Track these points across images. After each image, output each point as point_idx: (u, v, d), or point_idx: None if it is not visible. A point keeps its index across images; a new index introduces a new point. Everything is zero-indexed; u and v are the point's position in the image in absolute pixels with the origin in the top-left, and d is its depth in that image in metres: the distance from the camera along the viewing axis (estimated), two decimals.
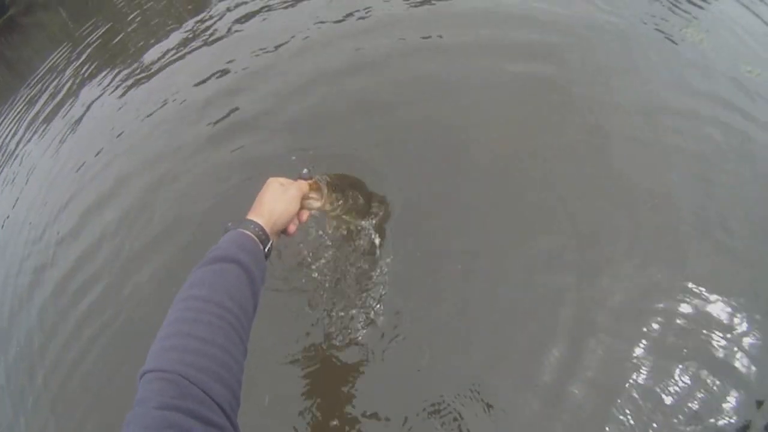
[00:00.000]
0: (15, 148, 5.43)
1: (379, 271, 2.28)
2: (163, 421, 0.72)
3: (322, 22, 4.47)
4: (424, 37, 3.75)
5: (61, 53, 8.02)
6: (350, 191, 1.49)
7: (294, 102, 3.54)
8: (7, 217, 4.18)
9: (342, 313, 2.19)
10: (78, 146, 4.56)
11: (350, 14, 4.41)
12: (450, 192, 2.62)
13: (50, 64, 7.63)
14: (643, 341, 1.95)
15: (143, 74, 5.35)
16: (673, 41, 3.49)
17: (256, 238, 1.12)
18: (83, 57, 7.03)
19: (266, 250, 1.14)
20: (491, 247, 2.35)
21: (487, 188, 2.59)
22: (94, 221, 3.42)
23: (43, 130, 5.34)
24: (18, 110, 6.57)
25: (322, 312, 2.23)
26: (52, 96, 6.24)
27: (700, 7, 3.90)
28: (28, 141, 5.35)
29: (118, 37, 7.08)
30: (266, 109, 3.58)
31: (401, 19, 4.07)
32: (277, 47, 4.29)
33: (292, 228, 1.29)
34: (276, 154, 3.10)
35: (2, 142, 5.87)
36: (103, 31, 7.94)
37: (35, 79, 7.37)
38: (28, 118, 5.99)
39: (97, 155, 4.14)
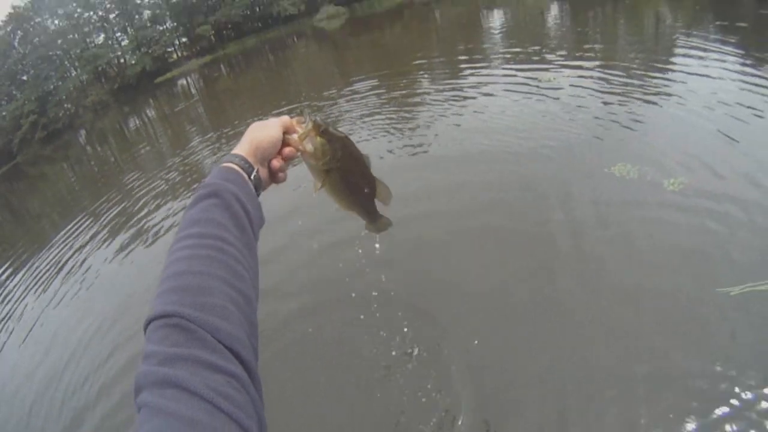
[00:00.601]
0: (36, 310, 6.43)
1: None
2: (165, 380, 0.66)
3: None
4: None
5: (71, 217, 9.51)
6: (346, 151, 1.22)
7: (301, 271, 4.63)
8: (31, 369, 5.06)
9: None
10: (95, 308, 5.59)
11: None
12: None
13: (64, 231, 8.94)
14: None
15: (149, 243, 6.74)
16: (613, 175, 4.59)
17: (238, 168, 1.05)
18: (95, 226, 8.44)
19: (252, 177, 1.07)
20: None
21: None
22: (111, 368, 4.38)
23: (62, 295, 6.41)
24: (32, 275, 7.64)
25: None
26: (64, 261, 7.45)
27: (634, 128, 5.33)
28: (48, 304, 6.37)
29: (126, 210, 8.56)
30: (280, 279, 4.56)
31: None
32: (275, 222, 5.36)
33: (275, 164, 1.15)
34: (289, 318, 4.04)
35: (23, 306, 6.82)
36: (110, 200, 9.56)
37: (51, 243, 8.64)
38: (40, 284, 7.07)
39: (110, 315, 5.21)
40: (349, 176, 1.27)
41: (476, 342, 3.29)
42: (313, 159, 1.19)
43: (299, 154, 1.18)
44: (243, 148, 1.10)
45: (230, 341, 0.75)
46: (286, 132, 1.18)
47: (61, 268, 7.22)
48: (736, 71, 6.43)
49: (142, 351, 0.73)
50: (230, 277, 0.84)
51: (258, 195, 1.09)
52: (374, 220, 1.45)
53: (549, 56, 9.36)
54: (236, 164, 1.06)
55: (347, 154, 1.23)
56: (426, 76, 10.71)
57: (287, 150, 1.17)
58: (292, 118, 1.21)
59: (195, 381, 0.66)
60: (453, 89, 8.81)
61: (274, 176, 1.17)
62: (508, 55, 10.60)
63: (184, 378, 0.66)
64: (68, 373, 4.53)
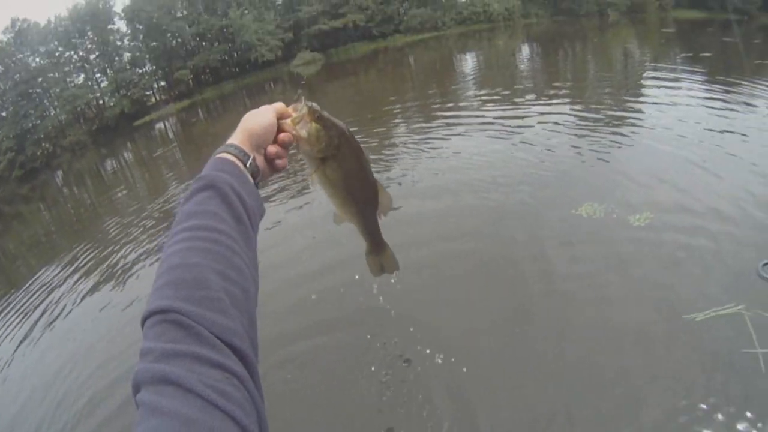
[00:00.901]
0: (8, 352, 6.16)
1: None
2: (162, 378, 0.64)
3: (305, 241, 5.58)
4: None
5: (47, 260, 9.35)
6: (343, 139, 1.13)
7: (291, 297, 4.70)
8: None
9: None
10: (69, 351, 5.46)
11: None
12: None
13: (39, 273, 8.74)
14: None
15: (124, 288, 6.65)
16: (581, 216, 4.70)
17: (233, 158, 1.02)
18: (70, 269, 8.26)
19: (248, 165, 1.03)
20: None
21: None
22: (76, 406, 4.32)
23: (36, 337, 6.22)
24: (7, 316, 7.39)
25: None
26: (38, 303, 7.25)
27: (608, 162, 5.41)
28: (21, 344, 6.16)
29: (102, 254, 8.42)
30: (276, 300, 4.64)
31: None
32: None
33: (271, 150, 1.10)
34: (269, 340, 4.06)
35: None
36: (86, 243, 9.39)
37: (26, 285, 8.39)
38: (15, 325, 6.83)
39: (83, 357, 5.12)
40: (346, 168, 1.17)
41: (466, 365, 3.39)
42: (308, 145, 1.13)
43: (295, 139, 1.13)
44: (237, 137, 1.07)
45: (228, 336, 0.72)
46: (281, 118, 1.14)
47: (34, 310, 7.06)
48: (702, 98, 6.78)
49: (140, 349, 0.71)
50: (227, 270, 0.81)
51: (257, 185, 1.05)
52: (376, 243, 1.34)
53: (520, 97, 9.74)
54: (231, 154, 1.02)
55: (345, 142, 1.14)
56: (402, 119, 11.03)
57: (282, 135, 1.13)
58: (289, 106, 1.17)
59: (191, 378, 0.64)
60: (428, 132, 9.08)
61: (272, 164, 1.12)
62: (481, 98, 11.02)
63: (181, 375, 0.64)
64: (41, 410, 4.47)
